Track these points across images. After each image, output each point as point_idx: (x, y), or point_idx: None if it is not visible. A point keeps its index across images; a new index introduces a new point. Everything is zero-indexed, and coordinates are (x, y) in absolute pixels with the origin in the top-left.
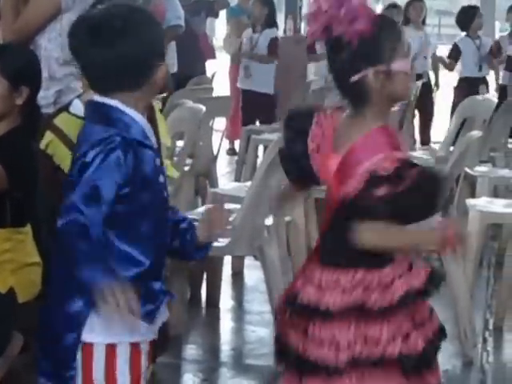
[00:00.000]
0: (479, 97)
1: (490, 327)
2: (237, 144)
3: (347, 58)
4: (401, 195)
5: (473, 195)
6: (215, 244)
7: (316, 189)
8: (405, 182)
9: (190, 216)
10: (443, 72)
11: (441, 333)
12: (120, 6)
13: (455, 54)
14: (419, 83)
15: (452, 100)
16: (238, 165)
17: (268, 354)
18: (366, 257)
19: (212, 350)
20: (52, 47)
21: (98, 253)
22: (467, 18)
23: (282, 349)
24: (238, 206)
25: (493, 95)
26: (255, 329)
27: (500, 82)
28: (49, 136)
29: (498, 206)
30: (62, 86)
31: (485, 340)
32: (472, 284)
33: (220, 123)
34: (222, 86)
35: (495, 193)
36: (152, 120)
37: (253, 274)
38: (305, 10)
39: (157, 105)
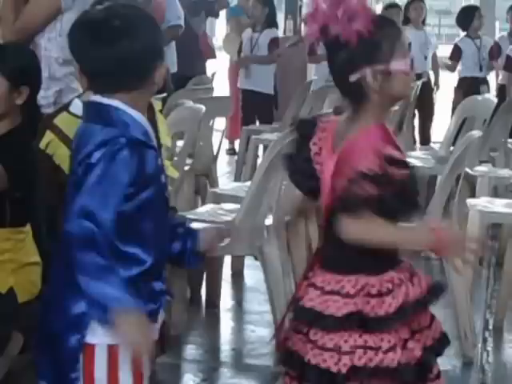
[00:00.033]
0: (479, 97)
1: (490, 327)
2: (237, 144)
3: (346, 58)
4: (383, 196)
5: (473, 195)
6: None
7: None
8: (388, 182)
9: (189, 216)
10: (443, 72)
11: (442, 340)
12: (119, 5)
13: (457, 54)
14: (419, 83)
15: (452, 100)
16: (238, 165)
17: (268, 353)
18: (367, 262)
19: (212, 350)
20: (52, 47)
21: (111, 268)
22: (467, 18)
23: (284, 354)
24: (237, 206)
25: (493, 95)
26: (255, 329)
27: (499, 82)
28: (49, 136)
29: (498, 205)
30: (62, 86)
31: (485, 340)
32: (472, 284)
33: (220, 123)
34: (221, 86)
35: (495, 193)
36: (152, 120)
37: (253, 274)
38: (305, 11)
39: (157, 105)
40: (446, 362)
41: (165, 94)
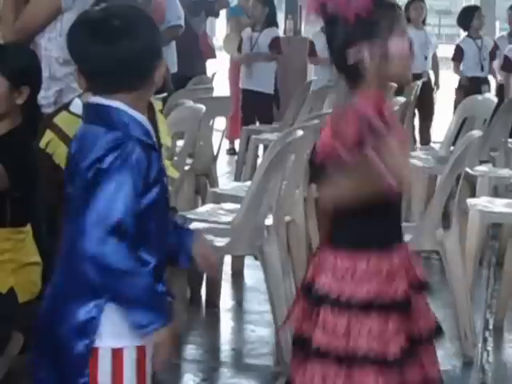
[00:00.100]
0: (479, 96)
1: (490, 327)
2: (237, 144)
3: (344, 34)
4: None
5: (473, 195)
6: (215, 244)
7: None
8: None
9: (190, 216)
10: (443, 71)
11: (437, 331)
12: (118, 6)
13: (459, 55)
14: (419, 83)
15: (454, 100)
16: (238, 164)
17: (268, 353)
18: (375, 237)
19: (212, 350)
20: (52, 47)
21: (153, 289)
22: (468, 18)
23: (297, 339)
24: (238, 206)
25: (494, 95)
26: (255, 328)
27: (498, 81)
28: (49, 135)
29: (498, 205)
30: (63, 86)
31: (485, 340)
32: (472, 284)
33: (220, 123)
34: (222, 86)
35: (495, 192)
36: (152, 120)
37: (253, 273)
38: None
39: (157, 105)
40: (446, 362)
41: (165, 94)
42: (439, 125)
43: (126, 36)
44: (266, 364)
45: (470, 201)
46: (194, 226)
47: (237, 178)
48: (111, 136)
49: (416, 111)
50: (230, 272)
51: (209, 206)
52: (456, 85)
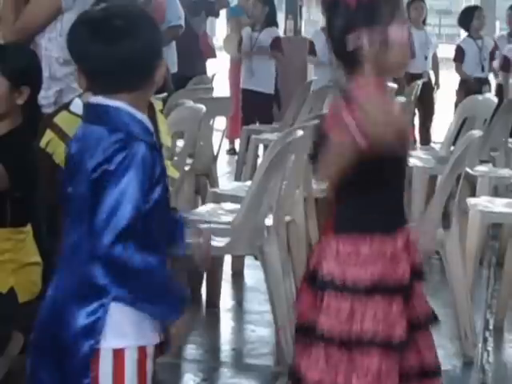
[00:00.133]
0: (480, 96)
1: (491, 327)
2: (237, 144)
3: (344, 20)
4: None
5: (473, 195)
6: (215, 244)
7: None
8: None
9: (190, 216)
10: (443, 71)
11: (433, 317)
12: (119, 5)
13: (460, 56)
14: (419, 83)
15: (455, 100)
16: (238, 164)
17: (268, 353)
18: (379, 221)
19: (212, 350)
20: (52, 47)
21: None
22: (468, 19)
23: (301, 326)
24: (238, 206)
25: (494, 95)
26: (255, 328)
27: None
28: (49, 134)
29: (499, 205)
30: (63, 86)
31: (485, 340)
32: (472, 284)
33: (220, 123)
34: (222, 86)
35: (495, 192)
36: (152, 120)
37: (253, 273)
38: (305, 10)
39: (158, 105)
40: (447, 362)
41: (165, 94)
42: (439, 125)
43: (127, 36)
44: (267, 364)
45: (471, 201)
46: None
47: (237, 178)
48: (116, 137)
49: (416, 111)
50: (230, 272)
51: (209, 206)
52: (456, 85)
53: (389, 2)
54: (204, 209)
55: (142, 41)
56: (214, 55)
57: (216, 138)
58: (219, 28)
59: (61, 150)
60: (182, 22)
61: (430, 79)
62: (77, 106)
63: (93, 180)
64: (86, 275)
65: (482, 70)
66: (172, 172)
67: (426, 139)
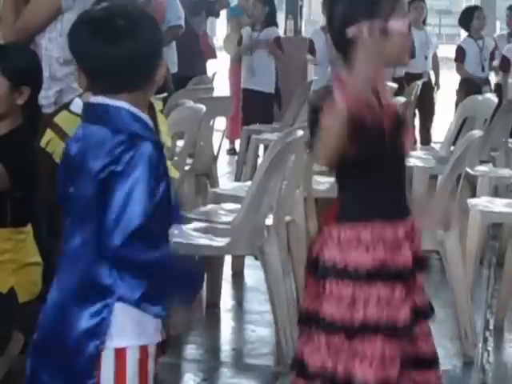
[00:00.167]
0: (480, 96)
1: (491, 327)
2: (237, 144)
3: (345, 10)
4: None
5: (473, 195)
6: (215, 244)
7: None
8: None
9: (190, 216)
10: (444, 72)
11: (430, 308)
12: (120, 5)
13: (461, 56)
14: (420, 83)
15: (455, 101)
16: (239, 165)
17: (268, 353)
18: (380, 208)
19: (212, 350)
20: (53, 47)
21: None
22: (469, 19)
23: (302, 313)
24: (238, 206)
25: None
26: (255, 328)
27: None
28: (49, 134)
29: (499, 205)
30: (63, 86)
31: (485, 340)
32: (472, 284)
33: (220, 123)
34: (222, 86)
35: (496, 192)
36: (153, 120)
37: (253, 273)
38: (305, 10)
39: (158, 105)
40: (447, 362)
41: (165, 94)
42: (440, 125)
43: (129, 35)
44: (267, 364)
45: (471, 201)
46: (194, 225)
47: (237, 178)
48: (120, 137)
49: (416, 111)
50: (230, 272)
51: (209, 206)
52: (457, 85)
53: None
54: (204, 209)
55: (144, 40)
56: (214, 55)
57: (216, 138)
58: (219, 28)
59: (61, 150)
60: (182, 22)
61: (430, 79)
62: (77, 105)
63: (100, 181)
64: (91, 275)
65: (483, 70)
66: (172, 172)
67: (426, 139)
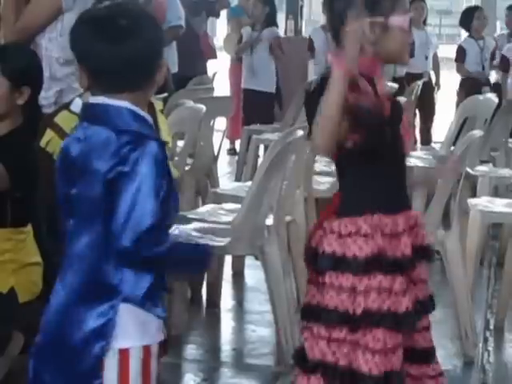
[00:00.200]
0: (480, 96)
1: (491, 327)
2: (237, 144)
3: (345, 6)
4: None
5: (473, 195)
6: (215, 244)
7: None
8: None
9: (190, 216)
10: (444, 72)
11: (431, 302)
12: (121, 4)
13: (461, 56)
14: (420, 83)
15: (456, 101)
16: (239, 165)
17: (269, 353)
18: (381, 202)
19: (212, 350)
20: (53, 47)
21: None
22: (469, 19)
23: (304, 307)
24: (238, 206)
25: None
26: (256, 328)
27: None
28: (49, 134)
29: (499, 205)
30: (63, 86)
31: (486, 340)
32: (473, 284)
33: (221, 123)
34: (222, 86)
35: (496, 192)
36: (153, 120)
37: (253, 273)
38: (306, 10)
39: (158, 105)
40: (447, 362)
41: (166, 94)
42: (440, 125)
43: (131, 35)
44: (267, 364)
45: (471, 201)
46: (194, 225)
47: (237, 178)
48: (125, 138)
49: (417, 111)
50: (230, 272)
51: (209, 206)
52: (457, 85)
53: None
54: (204, 209)
55: (145, 40)
56: (214, 56)
57: (216, 138)
58: (220, 28)
59: None
60: (183, 22)
61: (430, 79)
62: (77, 105)
63: (107, 181)
64: (98, 276)
65: (483, 70)
66: (173, 172)
67: (426, 139)
